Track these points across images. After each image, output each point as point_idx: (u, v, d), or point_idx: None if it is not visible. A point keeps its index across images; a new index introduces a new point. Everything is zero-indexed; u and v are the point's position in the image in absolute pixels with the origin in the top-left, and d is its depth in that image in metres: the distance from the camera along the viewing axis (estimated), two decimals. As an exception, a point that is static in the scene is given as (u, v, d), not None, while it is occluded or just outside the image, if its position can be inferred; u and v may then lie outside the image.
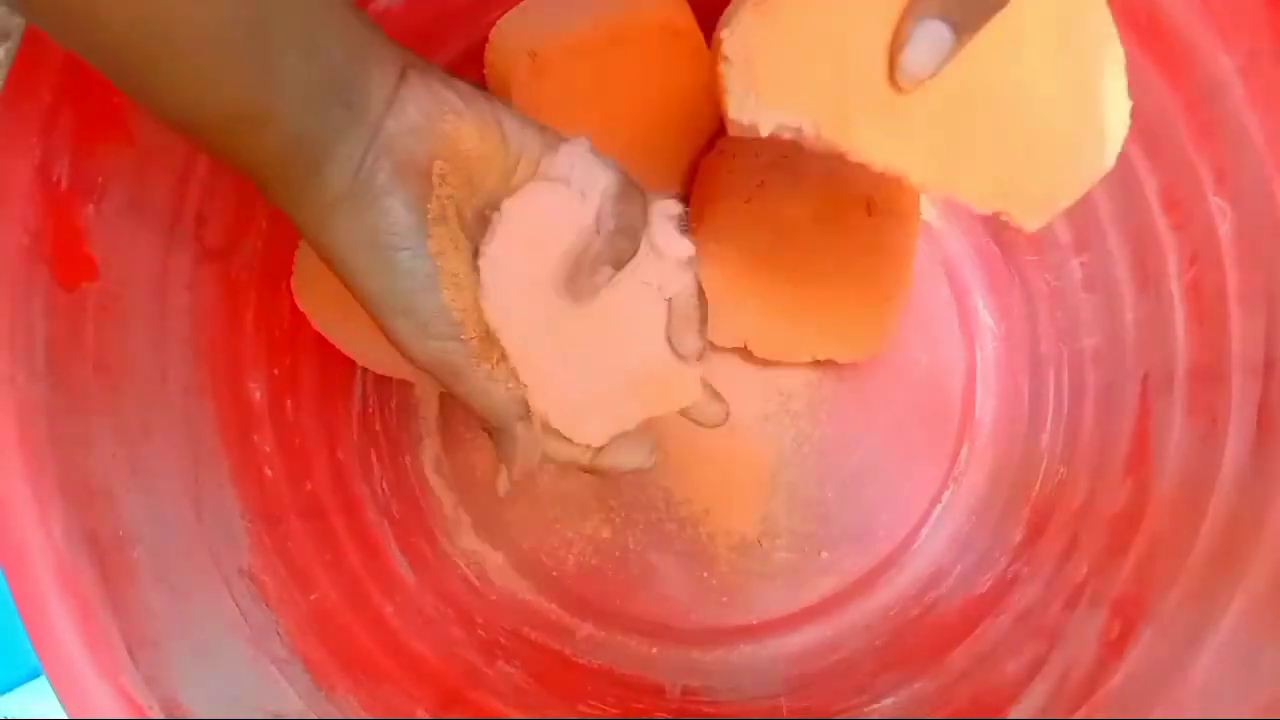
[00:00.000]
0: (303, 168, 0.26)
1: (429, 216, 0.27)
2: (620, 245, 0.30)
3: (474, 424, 0.49)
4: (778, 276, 0.44)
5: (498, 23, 0.41)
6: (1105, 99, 0.28)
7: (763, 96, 0.26)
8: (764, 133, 0.27)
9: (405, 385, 0.49)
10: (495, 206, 0.29)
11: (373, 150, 0.26)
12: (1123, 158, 0.40)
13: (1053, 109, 0.28)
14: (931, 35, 0.26)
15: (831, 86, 0.26)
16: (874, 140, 0.27)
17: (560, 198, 0.30)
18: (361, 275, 0.27)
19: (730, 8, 0.28)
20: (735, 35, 0.26)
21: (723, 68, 0.26)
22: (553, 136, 0.30)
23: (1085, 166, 0.28)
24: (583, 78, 0.40)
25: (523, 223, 0.29)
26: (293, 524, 0.38)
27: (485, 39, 0.41)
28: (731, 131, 0.28)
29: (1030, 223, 0.28)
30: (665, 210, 0.31)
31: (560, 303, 0.30)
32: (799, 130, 0.27)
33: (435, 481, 0.49)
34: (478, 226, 0.29)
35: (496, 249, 0.29)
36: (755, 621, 0.46)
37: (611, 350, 0.32)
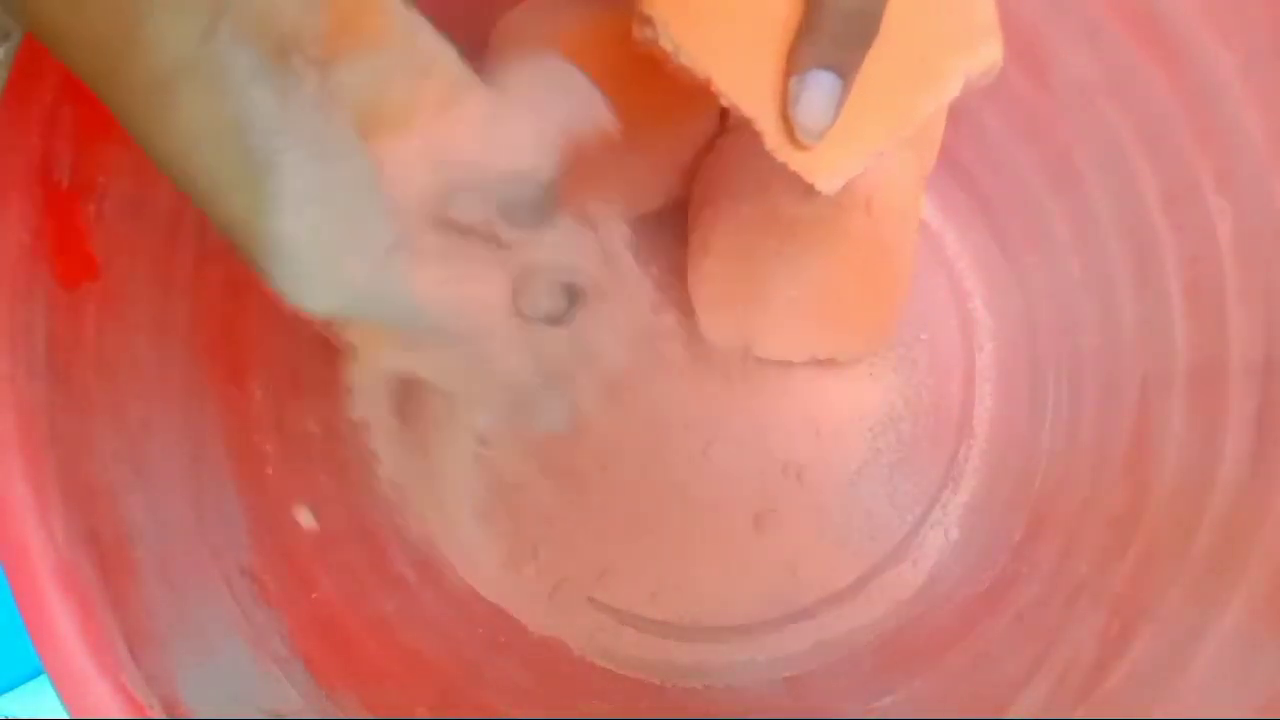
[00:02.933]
0: (116, 20, 0.19)
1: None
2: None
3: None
4: (778, 276, 0.44)
5: (498, 22, 0.41)
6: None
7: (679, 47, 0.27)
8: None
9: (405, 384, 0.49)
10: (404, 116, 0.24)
11: (225, 12, 0.20)
12: (1122, 157, 0.40)
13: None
14: (820, 86, 0.25)
15: (735, 44, 0.26)
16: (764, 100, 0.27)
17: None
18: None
19: None
20: None
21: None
22: (468, 75, 0.25)
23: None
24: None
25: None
26: (293, 524, 0.38)
27: (485, 39, 0.41)
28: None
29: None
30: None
31: None
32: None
33: (435, 481, 0.49)
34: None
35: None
36: (754, 621, 0.46)
37: None
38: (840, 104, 0.25)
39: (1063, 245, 0.44)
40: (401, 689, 0.37)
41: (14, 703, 0.43)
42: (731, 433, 0.47)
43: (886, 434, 0.48)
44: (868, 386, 0.48)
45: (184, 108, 0.20)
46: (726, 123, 0.45)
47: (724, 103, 0.28)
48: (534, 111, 0.26)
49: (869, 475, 0.48)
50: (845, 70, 0.25)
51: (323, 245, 0.22)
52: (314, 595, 0.37)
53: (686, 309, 0.46)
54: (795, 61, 0.25)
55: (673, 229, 0.46)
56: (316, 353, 0.41)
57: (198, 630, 0.31)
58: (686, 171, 0.47)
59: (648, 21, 0.29)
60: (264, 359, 0.39)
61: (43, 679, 0.35)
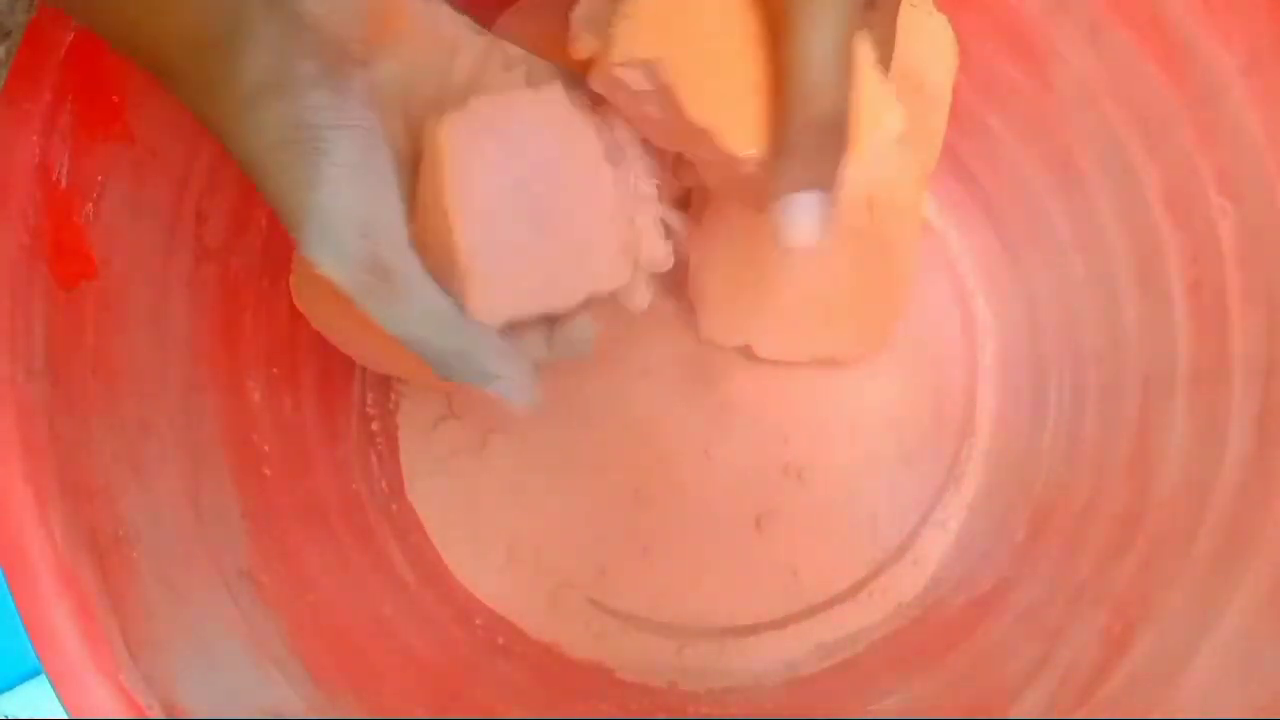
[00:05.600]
0: (213, 53, 0.23)
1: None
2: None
3: (470, 420, 0.48)
4: (778, 276, 0.44)
5: (498, 21, 0.41)
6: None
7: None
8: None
9: (405, 384, 0.49)
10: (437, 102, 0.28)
11: (292, 34, 0.24)
12: (1123, 157, 0.40)
13: None
14: (805, 207, 0.25)
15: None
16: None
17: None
18: (278, 177, 0.24)
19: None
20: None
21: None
22: (490, 41, 0.29)
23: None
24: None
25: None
26: (292, 524, 0.38)
27: (485, 38, 0.41)
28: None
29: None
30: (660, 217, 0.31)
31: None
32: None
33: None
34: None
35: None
36: (755, 620, 0.46)
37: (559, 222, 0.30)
38: (829, 217, 0.26)
39: (1065, 245, 0.44)
40: (401, 689, 0.37)
41: (14, 703, 0.43)
42: (732, 433, 0.47)
43: (887, 434, 0.48)
44: (869, 386, 0.48)
45: (268, 117, 0.24)
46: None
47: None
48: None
49: (870, 476, 0.48)
50: (826, 184, 0.26)
51: (353, 220, 0.25)
52: (313, 596, 0.37)
53: (686, 308, 0.46)
54: (778, 187, 0.26)
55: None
56: (315, 352, 0.41)
57: (197, 630, 0.31)
58: (686, 171, 0.47)
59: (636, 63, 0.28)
60: (263, 359, 0.39)
61: (42, 679, 0.35)
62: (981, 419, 0.49)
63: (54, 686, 0.26)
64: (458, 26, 0.28)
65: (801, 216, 0.25)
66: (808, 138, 0.25)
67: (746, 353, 0.46)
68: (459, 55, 0.28)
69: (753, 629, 0.46)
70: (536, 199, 0.29)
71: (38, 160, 0.29)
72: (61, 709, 0.26)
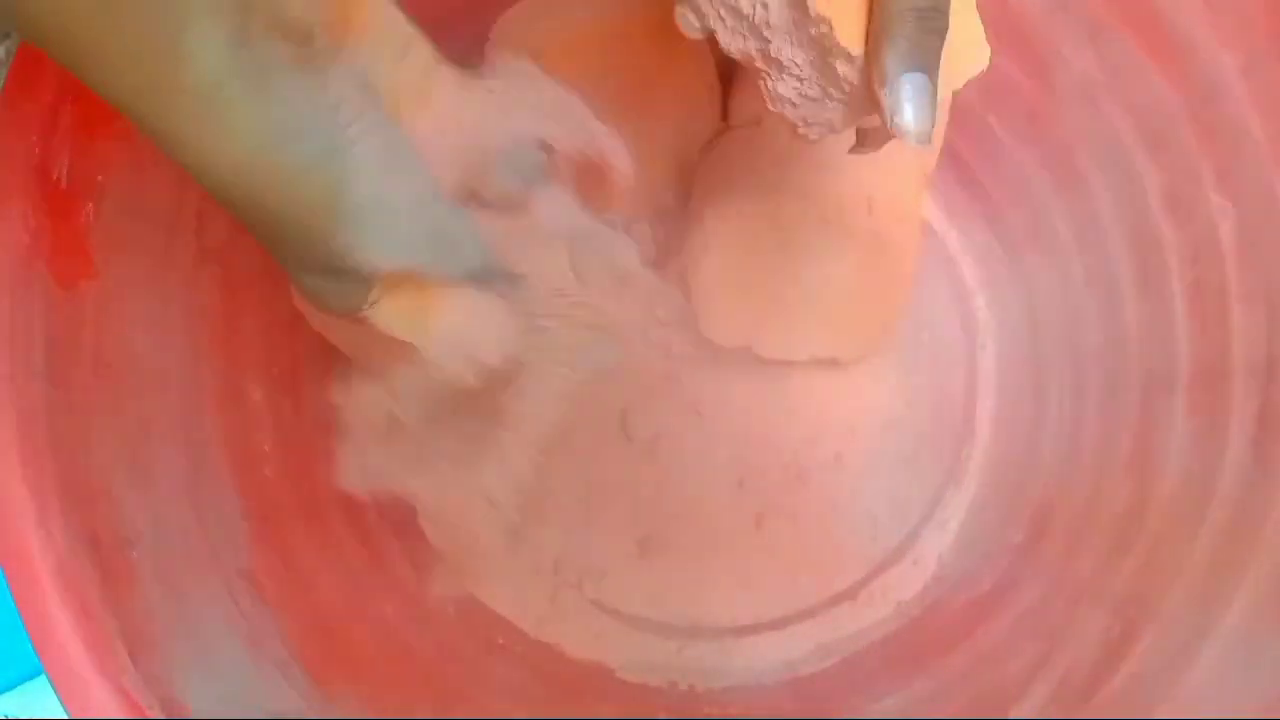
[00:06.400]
0: (154, 41, 0.21)
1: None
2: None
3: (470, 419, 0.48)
4: (779, 276, 0.44)
5: (498, 20, 0.41)
6: None
7: None
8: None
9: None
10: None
11: (252, 14, 0.22)
12: (1123, 157, 0.40)
13: None
14: (919, 88, 0.25)
15: None
16: None
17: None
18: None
19: None
20: None
21: None
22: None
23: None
24: (584, 75, 0.40)
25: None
26: (293, 524, 0.38)
27: (486, 37, 0.41)
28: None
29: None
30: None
31: None
32: None
33: (435, 481, 0.49)
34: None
35: None
36: (755, 621, 0.46)
37: None
38: (935, 99, 0.25)
39: (1065, 245, 0.44)
40: (401, 690, 0.37)
41: (14, 703, 0.43)
42: (732, 433, 0.47)
43: (888, 434, 0.48)
44: (869, 386, 0.48)
45: (238, 113, 0.22)
46: (728, 121, 0.45)
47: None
48: (499, 94, 0.29)
49: (870, 475, 0.48)
50: (931, 67, 0.25)
51: (390, 206, 0.25)
52: (313, 596, 0.37)
53: (687, 308, 0.46)
54: (882, 73, 0.25)
55: (673, 229, 0.46)
56: (315, 353, 0.41)
57: (197, 631, 0.31)
58: (687, 170, 0.47)
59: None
60: (262, 359, 0.39)
61: (43, 679, 0.35)
62: (981, 419, 0.49)
63: (54, 686, 0.26)
64: (411, 29, 0.27)
65: (917, 97, 0.25)
66: (909, 21, 0.25)
67: (746, 353, 0.46)
68: (407, 59, 0.27)
69: (753, 629, 0.46)
70: None
71: (37, 161, 0.29)
72: (61, 709, 0.26)
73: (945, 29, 0.25)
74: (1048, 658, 0.37)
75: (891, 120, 0.25)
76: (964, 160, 0.47)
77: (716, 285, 0.44)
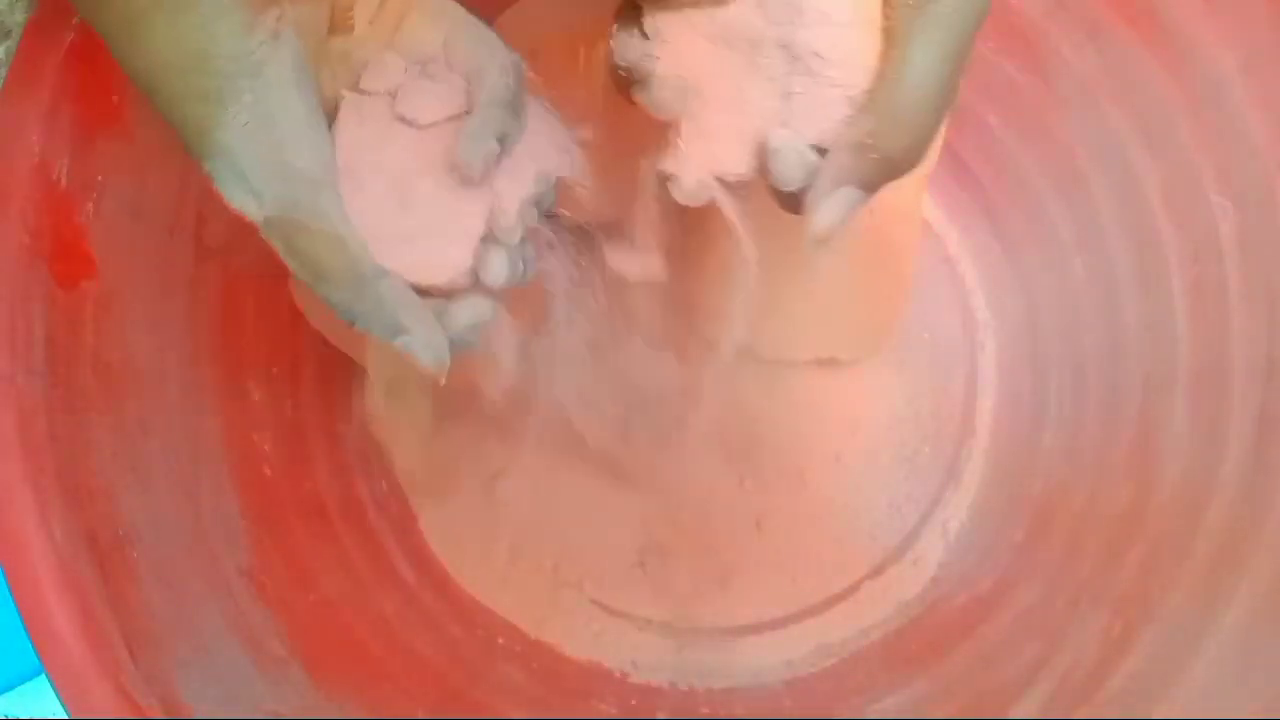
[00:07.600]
0: None
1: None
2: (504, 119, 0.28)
3: (471, 419, 0.48)
4: (779, 276, 0.44)
5: (498, 19, 0.41)
6: None
7: None
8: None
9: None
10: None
11: None
12: (1124, 156, 0.40)
13: None
14: (845, 199, 0.27)
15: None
16: None
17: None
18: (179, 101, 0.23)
19: None
20: None
21: None
22: None
23: None
24: (583, 75, 0.40)
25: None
26: (293, 524, 0.38)
27: (485, 37, 0.41)
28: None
29: None
30: None
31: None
32: None
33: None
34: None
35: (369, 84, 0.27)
36: (755, 621, 0.46)
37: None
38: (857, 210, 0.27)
39: (1065, 244, 0.44)
40: (401, 689, 0.37)
41: (14, 703, 0.43)
42: (733, 433, 0.47)
43: (888, 434, 0.48)
44: (869, 386, 0.48)
45: (156, 38, 0.23)
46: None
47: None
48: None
49: (870, 475, 0.48)
50: (870, 187, 0.27)
51: (258, 159, 0.25)
52: (313, 596, 0.37)
53: (687, 309, 0.46)
54: (829, 178, 0.27)
55: (673, 228, 0.46)
56: (315, 352, 0.41)
57: (197, 630, 0.31)
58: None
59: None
60: (262, 359, 0.39)
61: (43, 679, 0.35)
62: (981, 419, 0.49)
63: (54, 686, 0.26)
64: None
65: (838, 207, 0.27)
66: (890, 140, 0.26)
67: (746, 353, 0.46)
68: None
69: (753, 629, 0.46)
70: (408, 177, 0.28)
71: (37, 160, 0.29)
72: (61, 709, 0.26)
73: (916, 164, 0.27)
74: (1048, 658, 0.37)
75: (809, 222, 0.27)
76: (964, 160, 0.47)
77: (717, 286, 0.44)
